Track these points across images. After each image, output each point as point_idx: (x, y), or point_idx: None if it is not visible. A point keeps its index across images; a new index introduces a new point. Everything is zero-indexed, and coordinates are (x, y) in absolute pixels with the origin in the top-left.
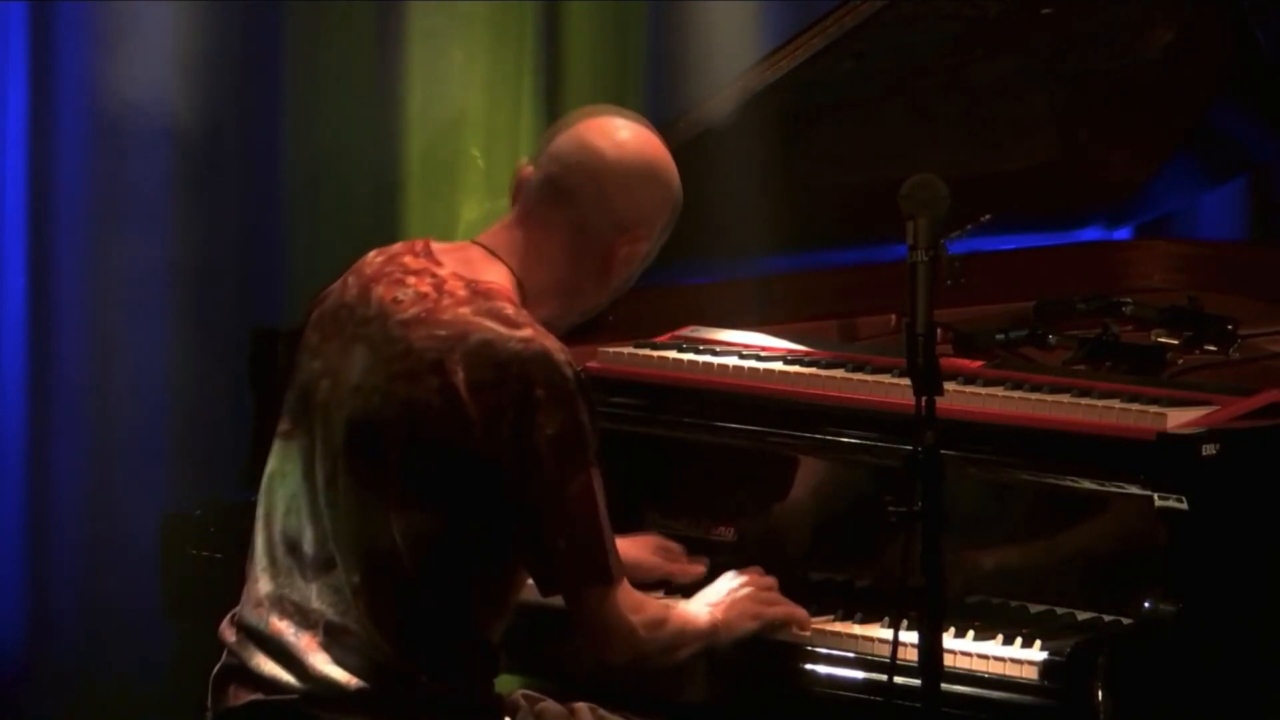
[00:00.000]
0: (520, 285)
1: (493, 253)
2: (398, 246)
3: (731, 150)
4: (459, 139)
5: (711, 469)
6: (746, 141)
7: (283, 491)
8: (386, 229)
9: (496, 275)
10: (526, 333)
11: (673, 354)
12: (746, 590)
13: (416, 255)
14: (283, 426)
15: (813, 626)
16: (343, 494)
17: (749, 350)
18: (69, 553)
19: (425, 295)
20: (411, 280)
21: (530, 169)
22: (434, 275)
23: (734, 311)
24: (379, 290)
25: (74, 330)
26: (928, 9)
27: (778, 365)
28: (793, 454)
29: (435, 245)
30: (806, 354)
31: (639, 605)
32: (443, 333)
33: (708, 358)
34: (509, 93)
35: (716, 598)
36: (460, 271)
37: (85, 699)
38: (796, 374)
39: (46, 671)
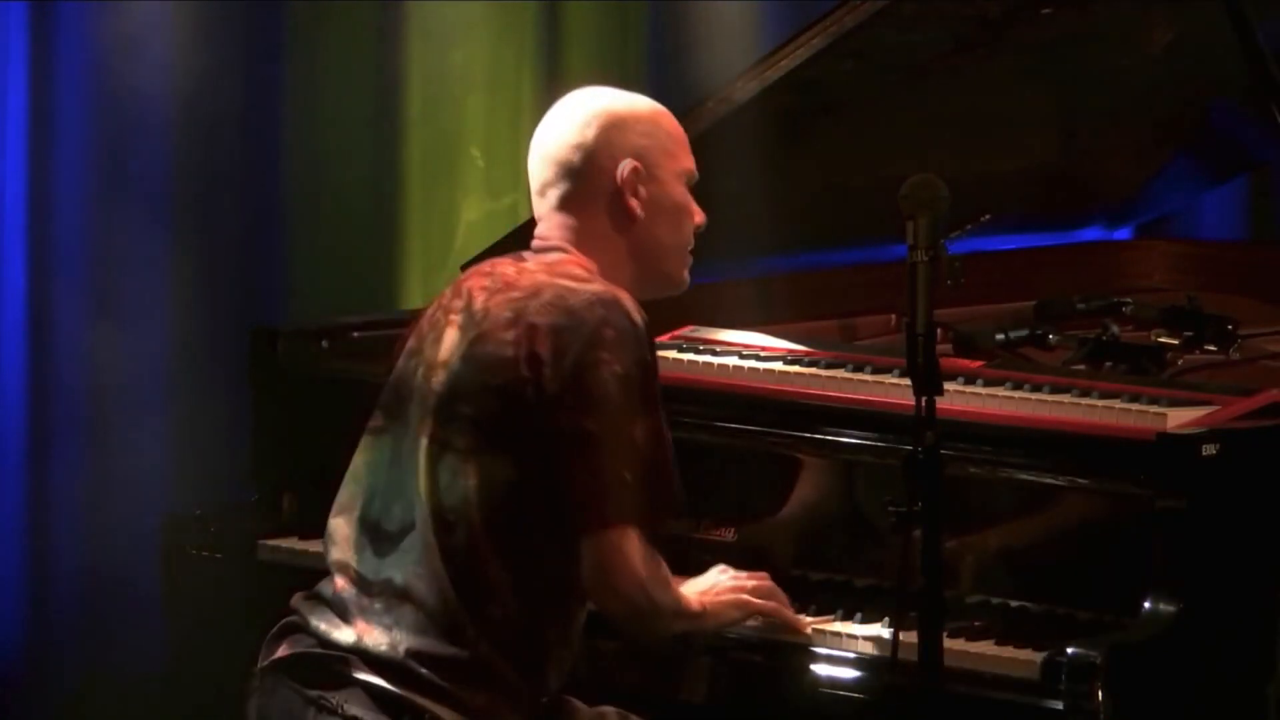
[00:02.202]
0: (587, 264)
1: (552, 248)
2: (492, 259)
3: (731, 150)
4: (459, 139)
5: (711, 469)
6: (746, 142)
7: (368, 482)
8: (386, 229)
9: (566, 259)
10: (598, 285)
11: (673, 354)
12: (734, 582)
13: (505, 257)
14: (373, 423)
15: (812, 626)
16: (422, 459)
17: (749, 350)
18: (69, 553)
19: (507, 275)
20: (498, 269)
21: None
22: (517, 263)
23: (734, 311)
24: (469, 283)
25: (74, 330)
26: (928, 9)
27: (778, 365)
28: (793, 454)
29: (524, 253)
30: (806, 354)
31: (654, 561)
32: (518, 294)
33: (708, 358)
34: (509, 93)
35: (704, 586)
36: (542, 260)
37: (85, 699)
38: (796, 374)
39: (46, 671)
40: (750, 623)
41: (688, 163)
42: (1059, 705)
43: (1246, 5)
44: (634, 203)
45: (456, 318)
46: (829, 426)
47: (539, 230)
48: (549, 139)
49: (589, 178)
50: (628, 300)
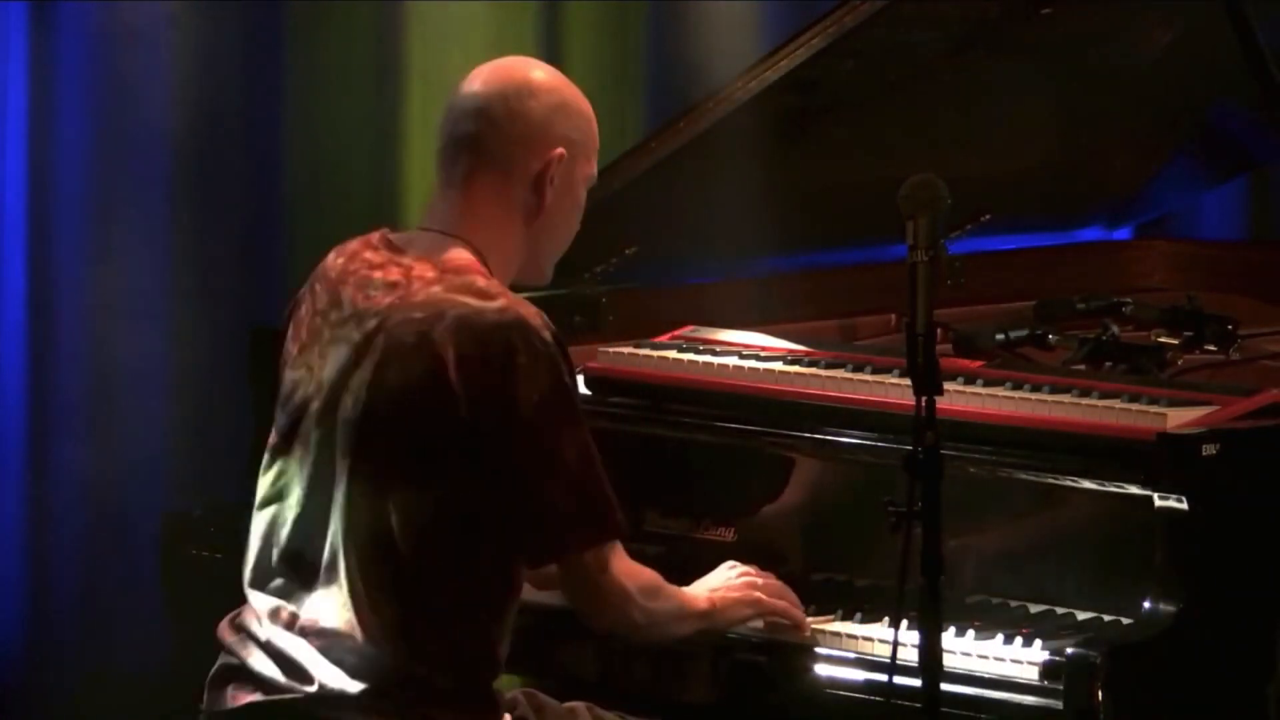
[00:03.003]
0: (482, 256)
1: (445, 234)
2: (354, 244)
3: (731, 150)
4: None
5: (711, 469)
6: (746, 141)
7: (281, 505)
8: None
9: (459, 254)
10: (501, 302)
11: (673, 354)
12: (746, 579)
13: (376, 249)
14: (273, 441)
15: (812, 626)
16: (346, 495)
17: (749, 350)
18: (69, 553)
19: (395, 283)
20: (378, 274)
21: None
22: (399, 264)
23: (734, 311)
24: (348, 292)
25: (74, 330)
26: (928, 9)
27: (778, 365)
28: (793, 454)
29: (392, 235)
30: (806, 354)
31: (635, 572)
32: (419, 315)
33: (708, 358)
34: None
35: (715, 583)
36: (423, 255)
37: (85, 699)
38: (796, 374)
39: (46, 671)
40: (754, 624)
41: (594, 168)
42: (1059, 705)
43: (1246, 5)
44: (549, 191)
45: (342, 332)
46: (829, 426)
47: (436, 211)
48: (480, 99)
49: (515, 152)
50: (534, 317)
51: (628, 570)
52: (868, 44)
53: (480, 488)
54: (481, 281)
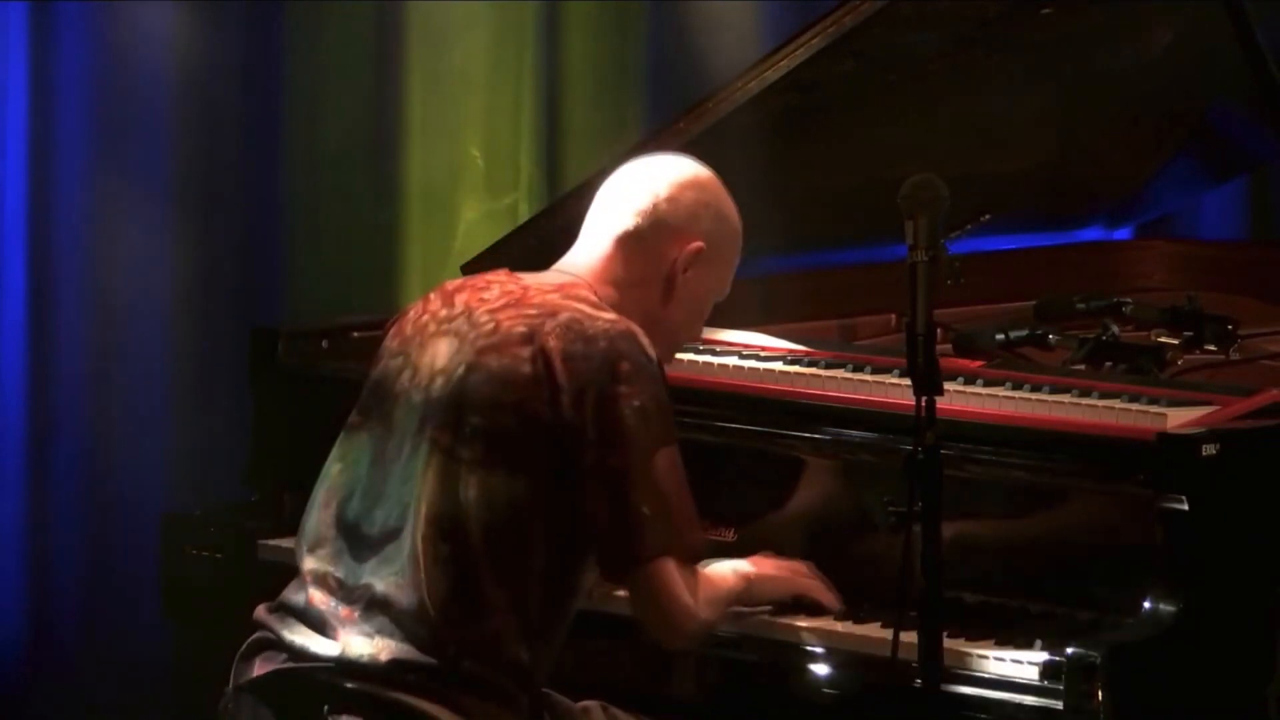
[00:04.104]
0: (597, 295)
1: (567, 272)
2: (475, 276)
3: (731, 150)
4: (459, 139)
5: (711, 469)
6: (746, 142)
7: (345, 478)
8: (386, 229)
9: (579, 288)
10: (611, 315)
11: None
12: (782, 562)
13: (497, 274)
14: (352, 420)
15: (812, 626)
16: (421, 466)
17: (749, 350)
18: (69, 553)
19: (511, 292)
20: (496, 285)
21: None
22: (518, 283)
23: (734, 311)
24: (463, 296)
25: (74, 330)
26: (928, 9)
27: (778, 365)
28: (793, 454)
29: (516, 272)
30: (806, 354)
31: (696, 584)
32: (532, 312)
33: (708, 358)
34: (509, 93)
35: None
36: (543, 281)
37: (85, 699)
38: (796, 374)
39: (46, 671)
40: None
41: (727, 284)
42: (1059, 705)
43: (1246, 5)
44: (679, 280)
45: (450, 326)
46: (829, 426)
47: (574, 254)
48: (642, 180)
49: (660, 232)
50: (640, 334)
51: (692, 582)
52: (867, 44)
53: (564, 485)
54: (595, 298)
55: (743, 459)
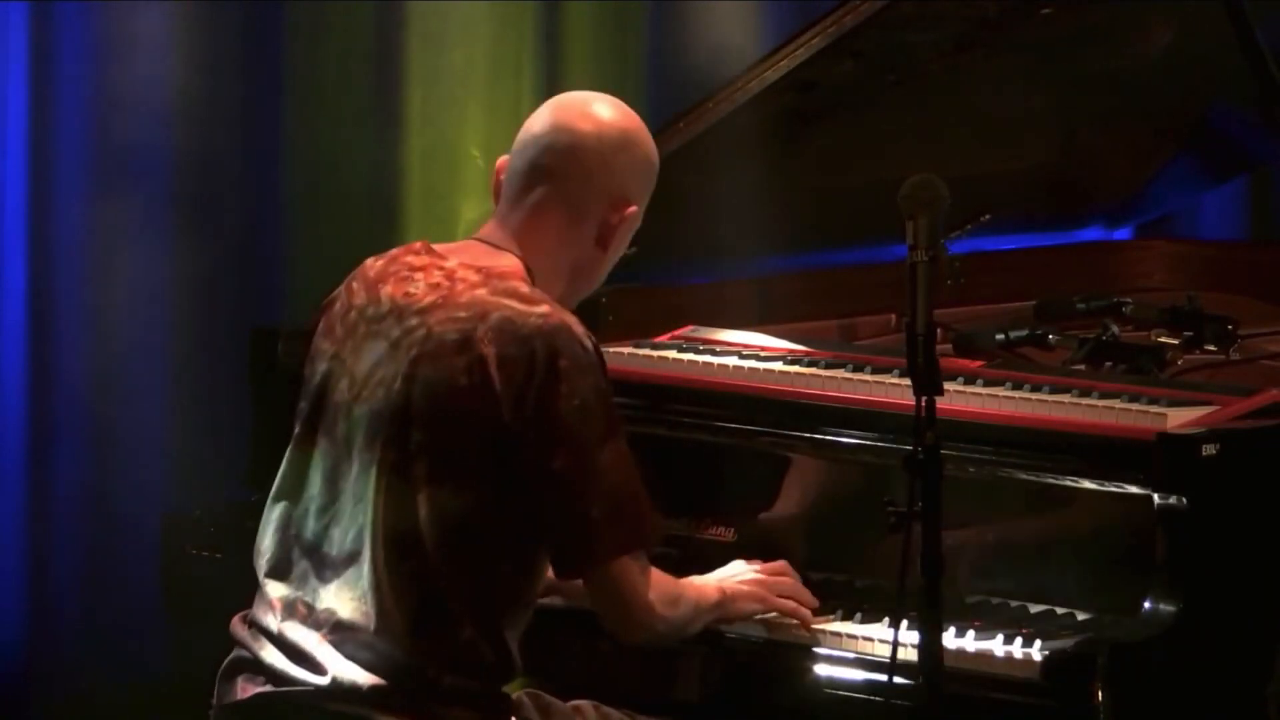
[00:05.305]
0: (528, 269)
1: (494, 245)
2: (395, 251)
3: (731, 150)
4: (459, 139)
5: (711, 469)
6: (746, 141)
7: (302, 496)
8: (386, 229)
9: (504, 262)
10: (544, 308)
11: (673, 354)
12: (757, 575)
13: (418, 254)
14: (298, 431)
15: (813, 626)
16: (371, 486)
17: (749, 350)
18: (69, 553)
19: (438, 285)
20: (420, 275)
21: (506, 160)
22: (441, 268)
23: (734, 311)
24: (388, 289)
25: (74, 330)
26: (928, 9)
27: (778, 365)
28: (793, 454)
29: (435, 245)
30: (806, 354)
31: (656, 581)
32: (463, 314)
33: (708, 358)
34: (509, 93)
35: (726, 574)
36: (467, 261)
37: (85, 699)
38: (796, 374)
39: (46, 671)
40: (756, 621)
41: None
42: (1059, 705)
43: (1246, 5)
44: (613, 242)
45: (379, 328)
46: (829, 426)
47: (498, 223)
48: (574, 136)
49: (593, 198)
50: (576, 325)
51: (652, 581)
52: (867, 44)
53: (514, 490)
54: (525, 288)
55: (743, 459)
